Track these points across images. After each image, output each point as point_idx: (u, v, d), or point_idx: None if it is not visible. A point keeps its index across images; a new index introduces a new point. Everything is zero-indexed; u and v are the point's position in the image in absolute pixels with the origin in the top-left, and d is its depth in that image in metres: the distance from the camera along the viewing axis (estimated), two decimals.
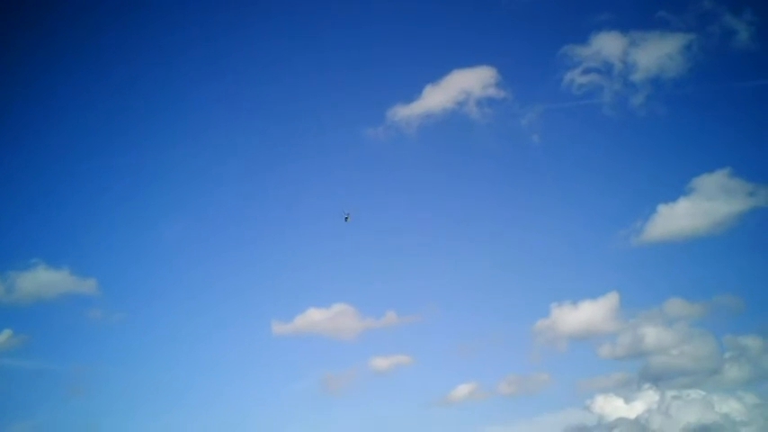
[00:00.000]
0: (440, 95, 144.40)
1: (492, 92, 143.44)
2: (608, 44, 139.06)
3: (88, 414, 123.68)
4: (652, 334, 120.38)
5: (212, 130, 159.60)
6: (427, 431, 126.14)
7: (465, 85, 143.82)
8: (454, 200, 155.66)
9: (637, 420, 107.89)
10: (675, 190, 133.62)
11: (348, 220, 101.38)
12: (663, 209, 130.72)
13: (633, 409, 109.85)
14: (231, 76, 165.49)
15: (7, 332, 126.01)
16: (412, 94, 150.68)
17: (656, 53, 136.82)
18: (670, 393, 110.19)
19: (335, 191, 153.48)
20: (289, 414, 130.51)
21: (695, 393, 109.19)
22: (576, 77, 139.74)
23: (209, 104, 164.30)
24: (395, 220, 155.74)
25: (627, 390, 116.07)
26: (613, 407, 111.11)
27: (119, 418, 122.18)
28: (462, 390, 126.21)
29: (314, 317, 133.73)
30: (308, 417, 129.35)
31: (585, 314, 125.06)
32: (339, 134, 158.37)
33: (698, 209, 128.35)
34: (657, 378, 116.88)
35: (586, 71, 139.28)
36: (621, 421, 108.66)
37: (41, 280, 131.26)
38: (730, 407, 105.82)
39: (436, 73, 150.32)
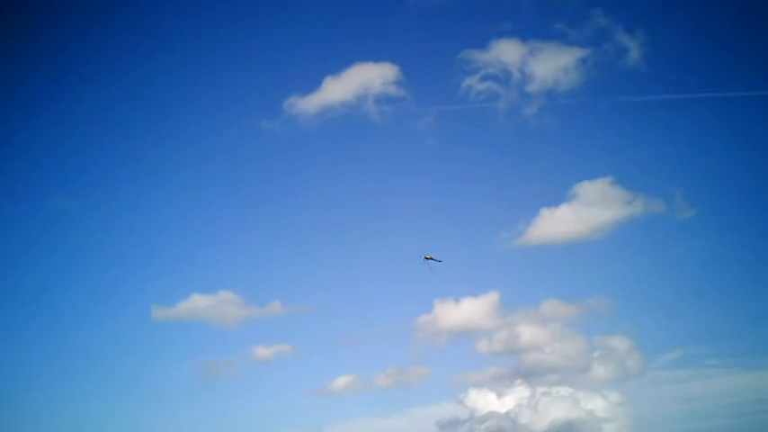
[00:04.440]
0: (339, 88, 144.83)
1: (392, 90, 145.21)
2: (507, 51, 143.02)
3: None
4: (528, 332, 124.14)
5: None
6: (304, 421, 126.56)
7: (366, 79, 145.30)
8: (348, 196, 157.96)
9: (507, 415, 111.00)
10: (559, 195, 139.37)
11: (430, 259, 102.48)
12: (546, 213, 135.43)
13: (504, 403, 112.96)
14: (122, 71, 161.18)
15: None
16: (311, 84, 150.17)
17: (553, 65, 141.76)
18: (540, 389, 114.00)
19: (228, 179, 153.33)
20: (167, 401, 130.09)
21: (564, 390, 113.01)
22: (474, 84, 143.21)
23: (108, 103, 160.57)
24: (288, 212, 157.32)
25: (500, 385, 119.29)
26: (486, 401, 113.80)
27: None
28: (342, 381, 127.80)
29: (197, 303, 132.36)
30: (186, 404, 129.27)
31: (467, 311, 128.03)
32: (234, 124, 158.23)
33: (578, 214, 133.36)
34: (530, 374, 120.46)
35: (485, 78, 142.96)
36: (492, 415, 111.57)
37: None
38: (595, 404, 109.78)
39: (337, 65, 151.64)
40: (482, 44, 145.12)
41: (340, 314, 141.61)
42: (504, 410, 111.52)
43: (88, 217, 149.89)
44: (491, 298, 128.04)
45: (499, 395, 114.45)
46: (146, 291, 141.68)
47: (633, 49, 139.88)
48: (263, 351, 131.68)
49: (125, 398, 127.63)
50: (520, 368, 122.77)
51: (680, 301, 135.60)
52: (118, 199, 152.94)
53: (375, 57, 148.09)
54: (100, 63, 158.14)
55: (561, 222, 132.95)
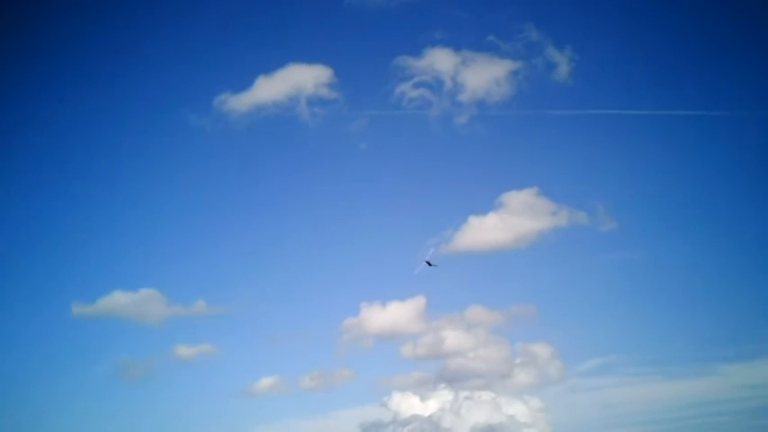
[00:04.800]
0: (272, 88, 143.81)
1: (325, 92, 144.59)
2: (440, 60, 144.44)
3: None
4: (452, 337, 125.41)
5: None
6: (227, 422, 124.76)
7: (299, 80, 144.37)
8: (277, 197, 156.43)
9: (430, 418, 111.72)
10: (487, 204, 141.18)
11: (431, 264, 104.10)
12: (473, 220, 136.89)
13: (428, 407, 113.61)
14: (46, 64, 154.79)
15: None
16: (243, 83, 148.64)
17: (484, 76, 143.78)
18: (463, 394, 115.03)
19: (154, 175, 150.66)
20: (85, 400, 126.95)
21: (486, 395, 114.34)
22: (407, 90, 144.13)
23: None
24: (214, 211, 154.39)
25: (424, 388, 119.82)
26: (409, 404, 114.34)
27: None
28: (266, 382, 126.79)
29: (119, 300, 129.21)
30: (105, 403, 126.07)
31: (393, 315, 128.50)
32: (160, 119, 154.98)
33: (505, 223, 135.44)
34: (453, 379, 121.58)
35: (418, 85, 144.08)
36: (415, 418, 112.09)
37: None
38: (516, 409, 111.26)
39: (270, 64, 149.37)
40: (416, 51, 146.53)
41: (265, 315, 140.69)
42: (427, 414, 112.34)
43: (5, 211, 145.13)
44: (417, 302, 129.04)
45: (423, 399, 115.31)
46: (65, 287, 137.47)
47: (562, 65, 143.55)
48: (185, 350, 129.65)
49: (42, 396, 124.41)
50: (444, 372, 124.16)
51: (600, 310, 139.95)
52: (37, 193, 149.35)
53: (309, 58, 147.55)
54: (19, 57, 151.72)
55: (488, 230, 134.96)
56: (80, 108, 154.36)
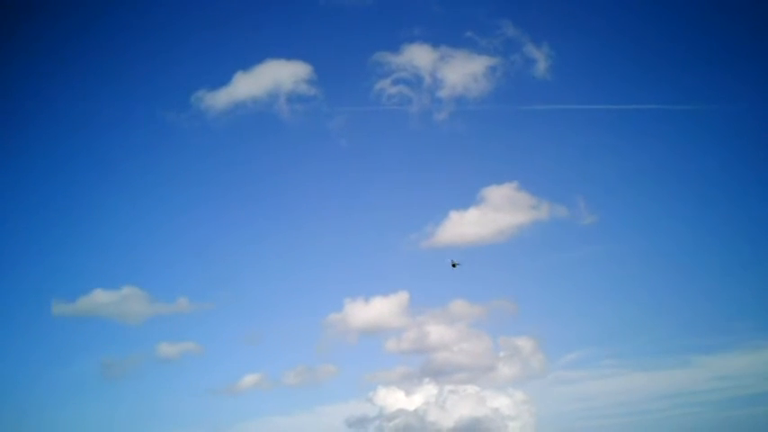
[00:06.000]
0: (250, 84, 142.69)
1: (304, 88, 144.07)
2: (419, 56, 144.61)
3: None
4: (436, 332, 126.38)
5: None
6: (211, 419, 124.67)
7: (277, 76, 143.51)
8: (257, 193, 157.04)
9: (415, 412, 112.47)
10: (468, 198, 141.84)
11: (455, 266, 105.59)
12: (454, 215, 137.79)
13: (413, 401, 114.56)
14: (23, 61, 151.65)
15: None
16: (220, 79, 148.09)
17: (463, 72, 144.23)
18: (448, 388, 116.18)
19: (132, 173, 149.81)
20: (66, 399, 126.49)
21: (471, 388, 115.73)
22: (386, 87, 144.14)
23: None
24: (195, 208, 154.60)
25: (408, 383, 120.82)
26: (394, 399, 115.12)
27: None
28: (250, 379, 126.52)
29: (100, 298, 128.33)
30: (87, 402, 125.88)
31: (376, 310, 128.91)
32: (136, 116, 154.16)
33: (485, 217, 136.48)
34: (437, 373, 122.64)
35: (397, 81, 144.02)
36: (401, 412, 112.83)
37: None
38: (500, 402, 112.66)
39: (248, 60, 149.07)
40: (395, 47, 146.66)
41: (249, 312, 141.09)
42: (412, 408, 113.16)
43: None
44: (400, 297, 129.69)
45: (407, 393, 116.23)
46: (45, 286, 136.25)
47: (540, 61, 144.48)
48: (168, 348, 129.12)
49: (22, 397, 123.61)
50: (428, 367, 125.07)
51: (580, 303, 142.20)
52: (15, 192, 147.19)
53: (287, 54, 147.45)
54: None
55: (469, 225, 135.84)
56: (55, 106, 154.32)
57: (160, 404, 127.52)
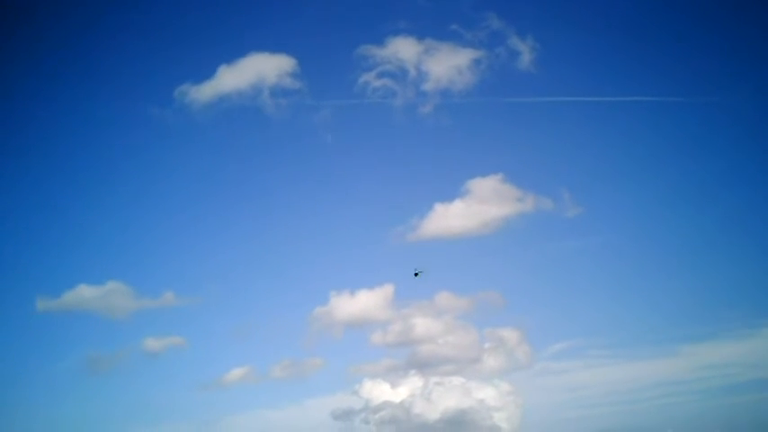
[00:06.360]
0: (234, 78, 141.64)
1: (288, 82, 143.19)
2: (403, 49, 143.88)
3: None
4: (421, 324, 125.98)
5: None
6: (198, 414, 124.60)
7: (261, 70, 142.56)
8: (242, 187, 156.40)
9: (401, 404, 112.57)
10: (452, 191, 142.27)
11: (417, 275, 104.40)
12: (439, 208, 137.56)
13: (399, 393, 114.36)
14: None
15: None
16: (204, 72, 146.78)
17: (448, 65, 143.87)
18: (433, 379, 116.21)
19: (117, 167, 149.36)
20: (51, 395, 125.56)
21: (456, 380, 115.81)
22: (371, 80, 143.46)
23: None
24: (179, 202, 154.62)
25: (394, 375, 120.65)
26: (380, 391, 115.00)
27: None
28: (236, 373, 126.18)
29: (84, 293, 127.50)
30: (72, 398, 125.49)
31: (362, 303, 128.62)
32: (121, 110, 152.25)
33: (470, 210, 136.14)
34: (423, 365, 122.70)
35: (381, 74, 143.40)
36: (387, 405, 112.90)
37: None
38: (486, 393, 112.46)
39: (232, 53, 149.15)
40: (379, 41, 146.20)
41: (235, 306, 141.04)
42: (398, 400, 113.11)
43: None
44: (386, 290, 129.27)
45: (393, 385, 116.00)
46: (29, 281, 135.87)
47: (524, 53, 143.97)
48: (154, 343, 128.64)
49: (6, 393, 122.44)
50: (414, 359, 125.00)
51: (565, 295, 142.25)
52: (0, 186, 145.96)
53: (271, 47, 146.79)
54: None
55: (454, 217, 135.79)
56: (39, 103, 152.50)
57: (147, 399, 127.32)
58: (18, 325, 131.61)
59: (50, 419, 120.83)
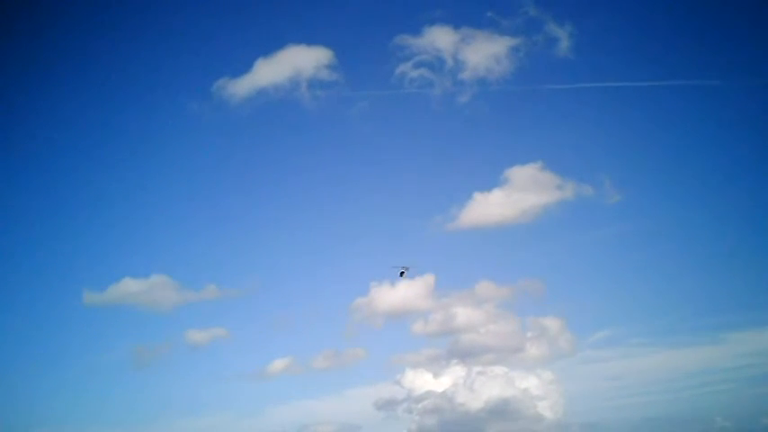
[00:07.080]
0: (271, 71, 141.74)
1: (325, 74, 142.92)
2: (440, 38, 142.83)
3: None
4: (462, 313, 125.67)
5: None
6: (240, 405, 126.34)
7: (299, 62, 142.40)
8: (282, 180, 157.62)
9: (444, 394, 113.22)
10: (491, 180, 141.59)
11: (403, 274, 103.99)
12: (478, 197, 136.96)
13: (441, 383, 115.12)
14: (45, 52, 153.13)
15: None
16: (242, 66, 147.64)
17: (485, 53, 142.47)
18: (476, 369, 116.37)
19: (159, 163, 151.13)
20: (99, 387, 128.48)
21: (499, 369, 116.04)
22: (408, 70, 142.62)
23: None
24: (221, 196, 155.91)
25: (436, 365, 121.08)
26: (423, 381, 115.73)
27: None
28: (279, 364, 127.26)
29: (129, 287, 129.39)
30: (118, 390, 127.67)
31: (402, 293, 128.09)
32: (160, 106, 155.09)
33: (509, 198, 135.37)
34: (465, 354, 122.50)
35: (418, 64, 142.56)
36: (429, 394, 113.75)
37: None
38: (529, 382, 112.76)
39: (269, 47, 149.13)
40: (415, 30, 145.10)
41: (276, 297, 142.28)
42: (440, 390, 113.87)
43: (14, 203, 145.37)
44: (426, 280, 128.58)
45: (435, 375, 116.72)
46: (77, 275, 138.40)
47: (562, 40, 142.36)
48: (197, 335, 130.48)
49: (56, 384, 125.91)
50: (455, 348, 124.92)
51: (608, 282, 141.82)
52: (47, 182, 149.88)
53: (308, 40, 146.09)
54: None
55: (493, 206, 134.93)
56: (81, 99, 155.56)
57: (191, 390, 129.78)
58: (66, 319, 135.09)
59: (97, 411, 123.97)
